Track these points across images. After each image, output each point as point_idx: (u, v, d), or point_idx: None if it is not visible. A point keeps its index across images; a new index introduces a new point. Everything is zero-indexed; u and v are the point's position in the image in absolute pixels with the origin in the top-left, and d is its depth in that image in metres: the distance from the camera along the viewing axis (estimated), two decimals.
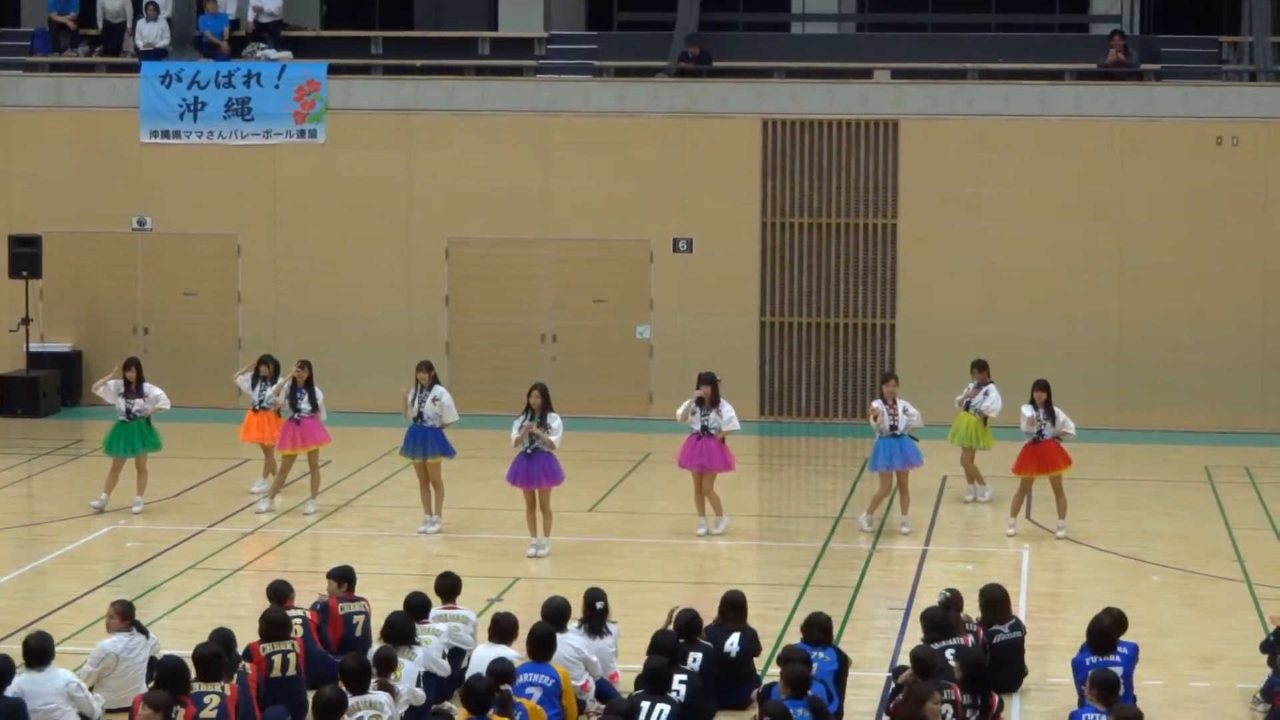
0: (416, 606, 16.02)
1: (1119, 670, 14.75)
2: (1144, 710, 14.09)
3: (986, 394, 23.64)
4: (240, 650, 15.18)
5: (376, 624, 16.06)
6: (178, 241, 30.83)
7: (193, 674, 14.16)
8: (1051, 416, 21.93)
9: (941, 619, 15.60)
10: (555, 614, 15.66)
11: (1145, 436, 28.75)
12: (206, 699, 14.02)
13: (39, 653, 14.68)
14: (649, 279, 30.21)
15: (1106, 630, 15.32)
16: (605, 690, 15.62)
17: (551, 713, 14.66)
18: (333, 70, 30.79)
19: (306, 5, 34.27)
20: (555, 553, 21.14)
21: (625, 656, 16.28)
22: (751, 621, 16.38)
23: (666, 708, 14.31)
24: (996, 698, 15.49)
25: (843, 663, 15.45)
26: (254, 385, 23.84)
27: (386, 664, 14.78)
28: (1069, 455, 22.10)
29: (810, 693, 14.28)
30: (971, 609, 16.43)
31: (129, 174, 30.82)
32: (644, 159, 30.03)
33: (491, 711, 13.69)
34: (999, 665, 15.99)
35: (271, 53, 31.25)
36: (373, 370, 29.74)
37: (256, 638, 15.43)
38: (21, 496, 24.87)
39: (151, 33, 31.59)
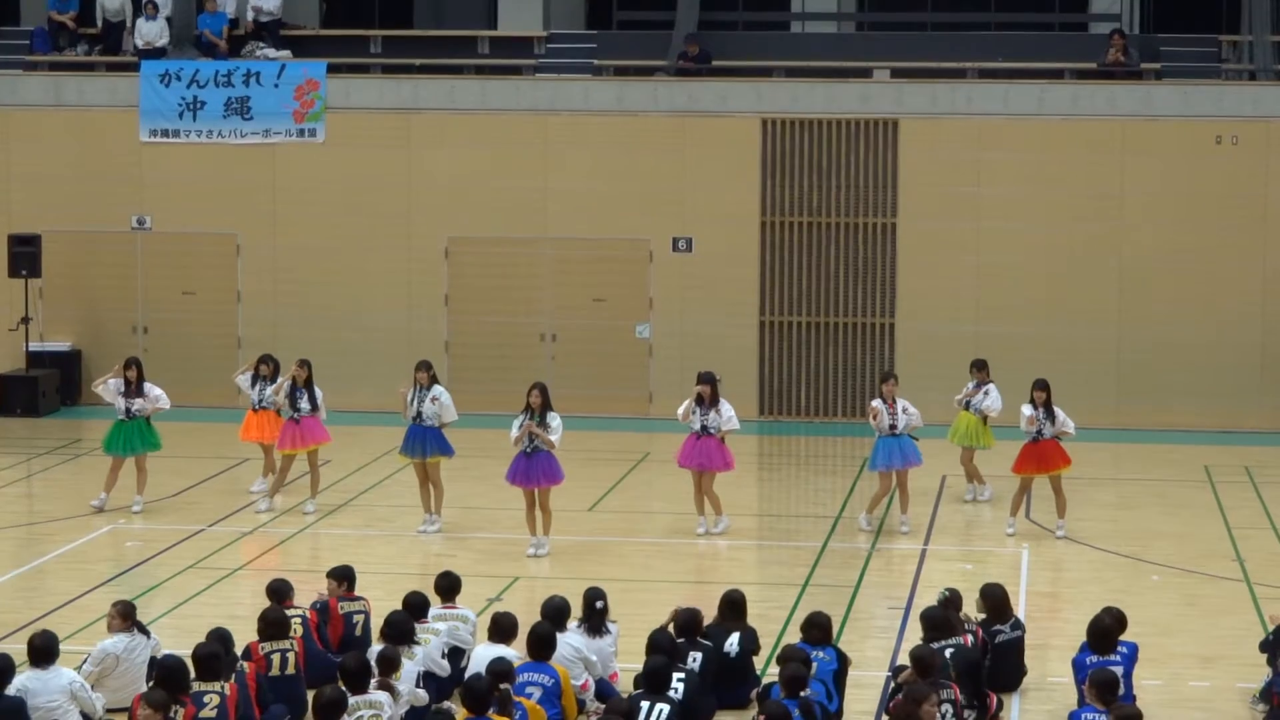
0: (416, 606, 16.02)
1: (1119, 670, 14.74)
2: (1144, 710, 14.08)
3: (986, 393, 23.61)
4: (240, 649, 15.19)
5: (376, 623, 16.05)
6: (177, 241, 30.82)
7: (192, 674, 14.17)
8: (1051, 416, 21.92)
9: (941, 619, 15.59)
10: (555, 613, 15.66)
11: (1145, 436, 28.74)
12: (206, 698, 14.04)
13: (44, 651, 14.68)
14: (648, 278, 30.19)
15: (1107, 630, 15.31)
16: (605, 690, 15.62)
17: (551, 712, 14.67)
18: (332, 69, 30.77)
19: (306, 4, 34.21)
20: (555, 552, 21.13)
21: (625, 656, 16.27)
22: (751, 621, 16.38)
23: (666, 707, 14.31)
24: (995, 698, 15.51)
25: (842, 662, 15.44)
26: (253, 385, 23.85)
27: (389, 664, 14.78)
28: (1068, 455, 22.09)
29: (803, 695, 14.24)
30: (971, 609, 16.42)
31: (128, 173, 30.80)
32: (643, 158, 30.02)
33: (491, 711, 13.70)
34: (999, 665, 16.00)
35: (271, 52, 31.23)
36: (372, 370, 29.73)
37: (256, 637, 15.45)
38: (21, 496, 24.85)
39: (151, 32, 31.58)
